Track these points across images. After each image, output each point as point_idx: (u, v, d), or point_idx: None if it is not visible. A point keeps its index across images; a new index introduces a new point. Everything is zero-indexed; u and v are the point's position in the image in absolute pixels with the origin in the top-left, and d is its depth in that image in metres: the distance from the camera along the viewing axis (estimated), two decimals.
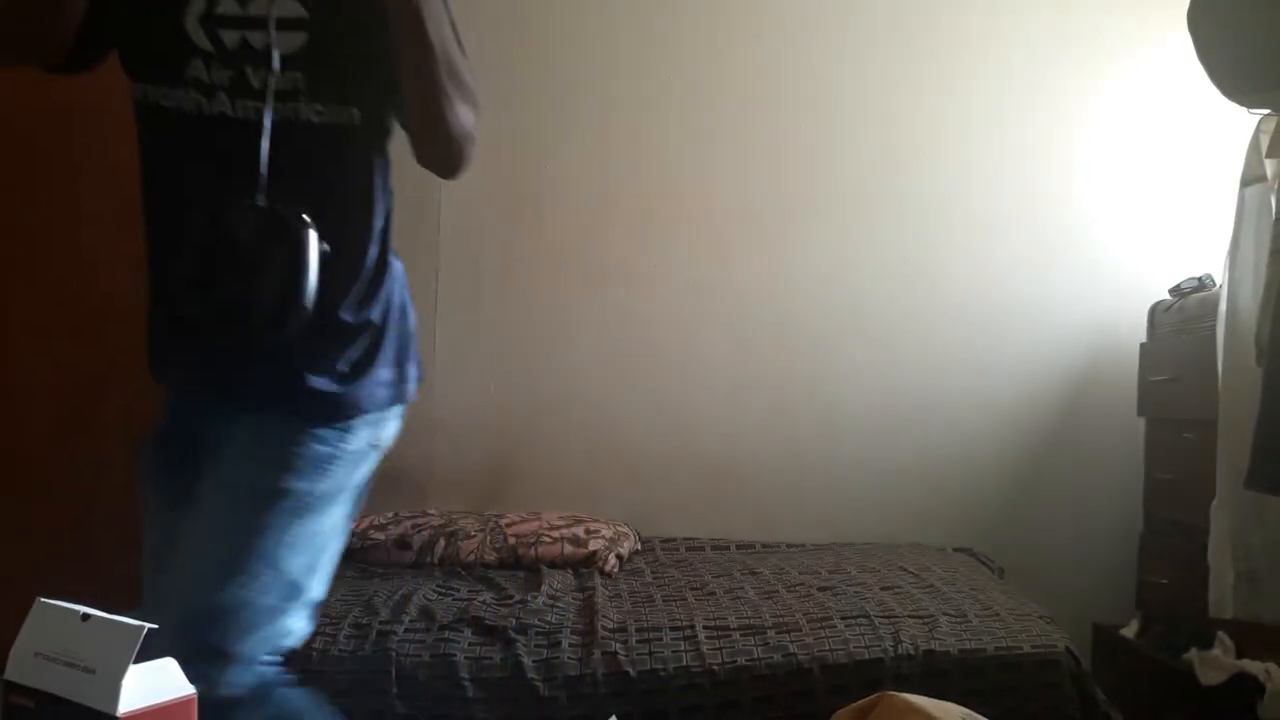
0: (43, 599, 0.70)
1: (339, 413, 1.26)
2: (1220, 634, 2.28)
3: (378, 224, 1.31)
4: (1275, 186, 2.00)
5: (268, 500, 1.20)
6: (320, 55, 1.19)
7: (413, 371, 1.39)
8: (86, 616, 0.68)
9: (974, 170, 2.99)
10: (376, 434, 1.32)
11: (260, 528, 1.19)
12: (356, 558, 2.44)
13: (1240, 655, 2.22)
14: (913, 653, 1.85)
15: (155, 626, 0.66)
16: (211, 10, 1.17)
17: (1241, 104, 1.94)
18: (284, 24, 1.17)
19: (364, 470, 1.32)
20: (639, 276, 2.95)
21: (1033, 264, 2.98)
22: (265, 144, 1.15)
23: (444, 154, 1.27)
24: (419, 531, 2.48)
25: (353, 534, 2.48)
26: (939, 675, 1.82)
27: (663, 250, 2.96)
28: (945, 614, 1.99)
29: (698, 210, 2.96)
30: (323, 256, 1.16)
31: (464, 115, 1.24)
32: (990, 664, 1.84)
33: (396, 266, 1.37)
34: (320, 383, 1.25)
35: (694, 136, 2.97)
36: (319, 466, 1.24)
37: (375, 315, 1.31)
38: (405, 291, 1.39)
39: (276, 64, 1.16)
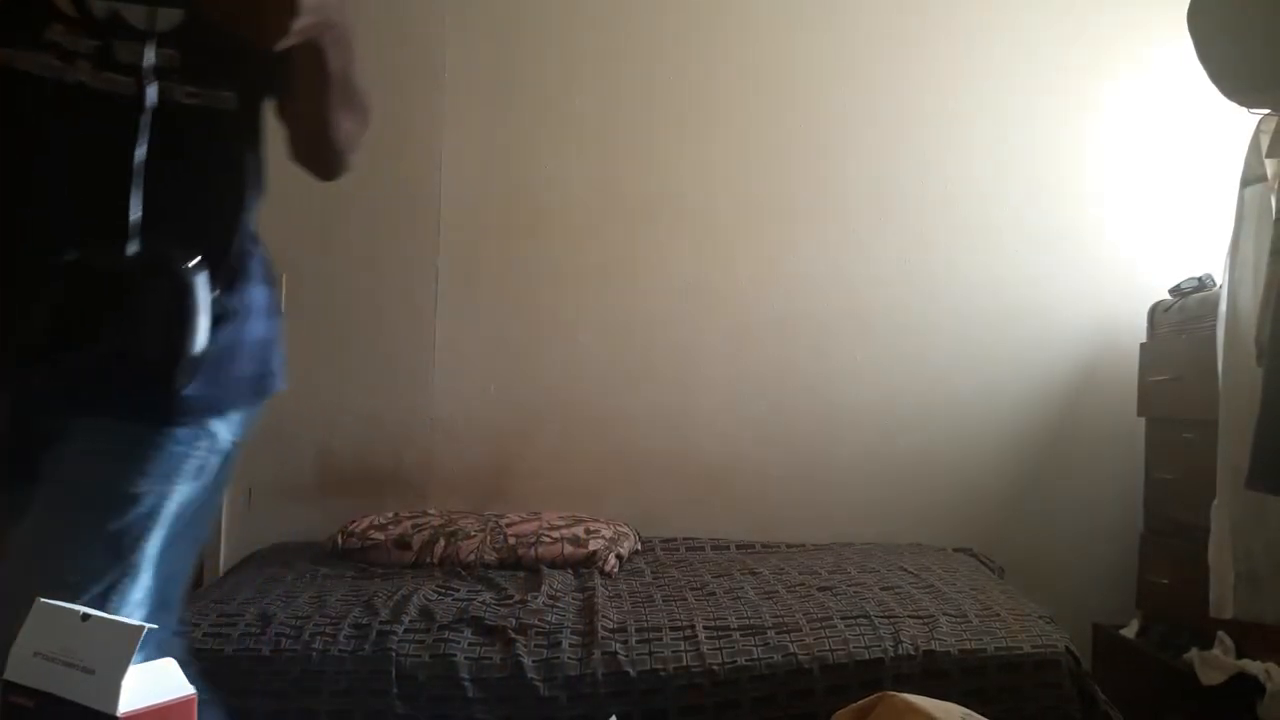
0: (43, 599, 0.70)
1: (201, 415, 1.18)
2: (1220, 634, 2.28)
3: (245, 213, 1.22)
4: (1275, 186, 2.00)
5: (120, 505, 1.11)
6: (198, 34, 1.10)
7: (277, 364, 1.29)
8: (86, 616, 0.67)
9: (975, 170, 2.99)
10: (235, 430, 1.23)
11: (112, 533, 1.09)
12: (356, 558, 2.44)
13: (1240, 655, 2.22)
14: (913, 653, 1.84)
15: (154, 627, 0.66)
16: None
17: (1241, 104, 1.94)
18: None
19: (221, 468, 1.23)
20: (639, 276, 2.95)
21: (1033, 264, 2.98)
22: (139, 184, 1.04)
23: (324, 161, 1.20)
24: (419, 531, 2.48)
25: (353, 534, 2.50)
26: (939, 675, 1.82)
27: (663, 250, 2.96)
28: (945, 614, 1.99)
29: (698, 210, 2.96)
30: (214, 307, 1.06)
31: (350, 128, 1.17)
32: (990, 664, 1.84)
33: (260, 257, 1.27)
34: (186, 387, 1.15)
35: (694, 136, 2.97)
36: (174, 469, 1.15)
37: (236, 307, 1.21)
38: (270, 283, 1.29)
39: (151, 101, 1.06)
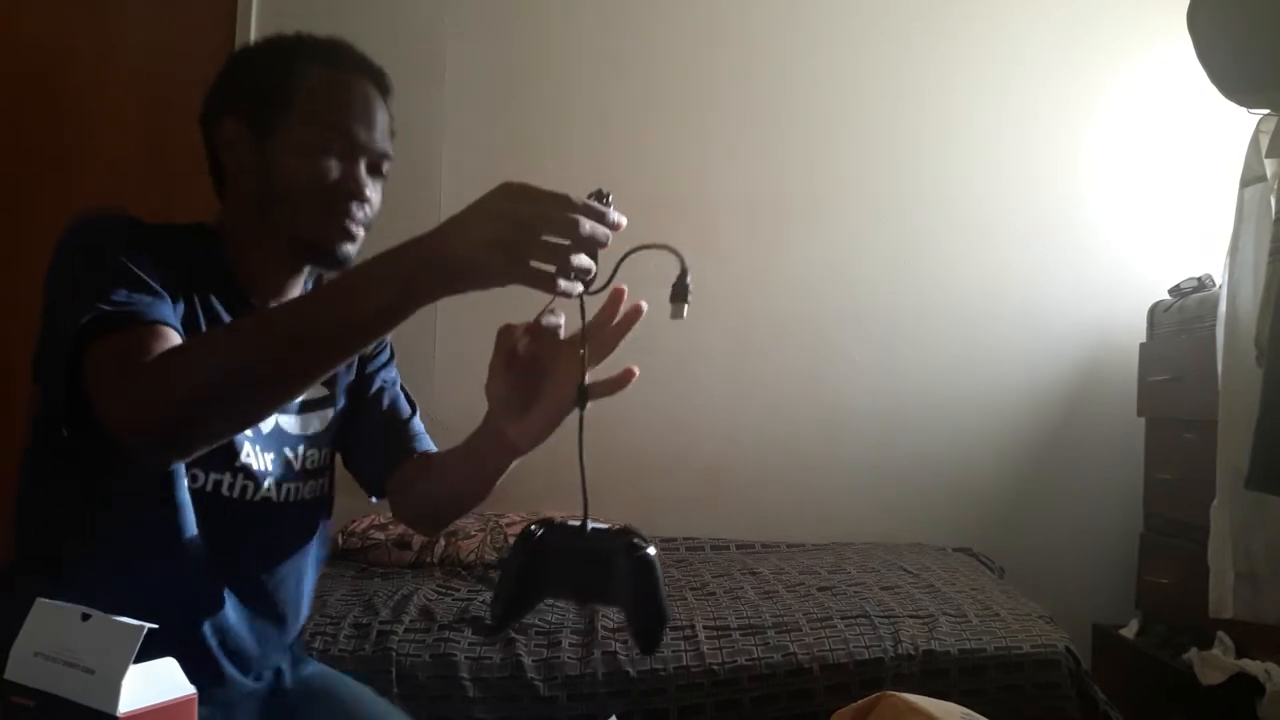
0: (43, 599, 0.70)
1: None
2: (1220, 634, 2.28)
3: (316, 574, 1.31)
4: (1275, 186, 2.00)
5: None
6: (337, 434, 1.24)
7: None
8: (86, 616, 0.67)
9: (975, 170, 2.99)
10: None
11: None
12: (356, 558, 2.44)
13: (1240, 655, 2.22)
14: (913, 653, 1.84)
15: (155, 626, 0.66)
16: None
17: (1241, 104, 1.94)
18: (310, 405, 1.20)
19: None
20: (639, 276, 2.95)
21: (1033, 264, 2.98)
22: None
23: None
24: None
25: (353, 534, 2.49)
26: (939, 675, 1.82)
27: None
28: (945, 614, 1.99)
29: (697, 209, 2.96)
30: None
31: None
32: (990, 664, 1.84)
33: None
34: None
35: (692, 136, 2.97)
36: None
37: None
38: None
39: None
